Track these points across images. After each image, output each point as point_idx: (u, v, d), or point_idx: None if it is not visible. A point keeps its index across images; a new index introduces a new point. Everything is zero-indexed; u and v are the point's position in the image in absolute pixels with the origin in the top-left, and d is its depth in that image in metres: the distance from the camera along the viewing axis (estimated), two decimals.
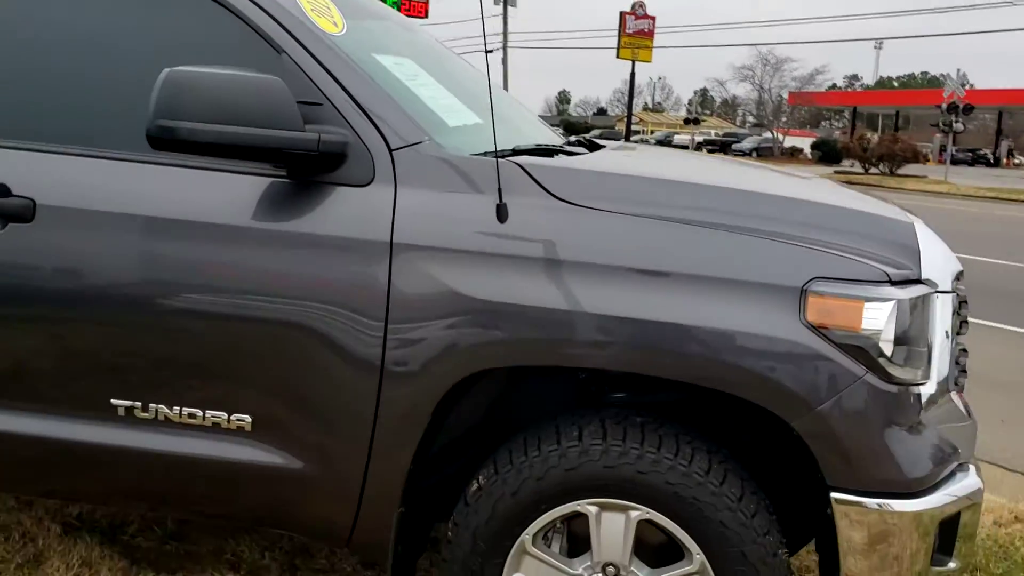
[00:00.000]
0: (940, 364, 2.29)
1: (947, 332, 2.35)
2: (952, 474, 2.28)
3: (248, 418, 2.32)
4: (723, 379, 2.14)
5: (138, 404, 2.36)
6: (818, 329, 2.09)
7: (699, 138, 64.54)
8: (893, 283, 2.15)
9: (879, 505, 2.13)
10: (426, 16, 63.95)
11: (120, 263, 2.34)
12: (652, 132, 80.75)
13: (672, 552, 2.26)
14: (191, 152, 2.13)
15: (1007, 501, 4.11)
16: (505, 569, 2.30)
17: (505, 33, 49.31)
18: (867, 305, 2.11)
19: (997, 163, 63.03)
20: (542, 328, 2.17)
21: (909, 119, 75.80)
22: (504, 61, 48.27)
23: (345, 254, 2.23)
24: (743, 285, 2.12)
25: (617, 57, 55.02)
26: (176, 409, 2.34)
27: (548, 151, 2.66)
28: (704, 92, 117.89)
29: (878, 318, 2.10)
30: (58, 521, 3.27)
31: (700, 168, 3.17)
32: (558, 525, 2.31)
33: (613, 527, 2.24)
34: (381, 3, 3.39)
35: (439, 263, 2.20)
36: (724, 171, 3.16)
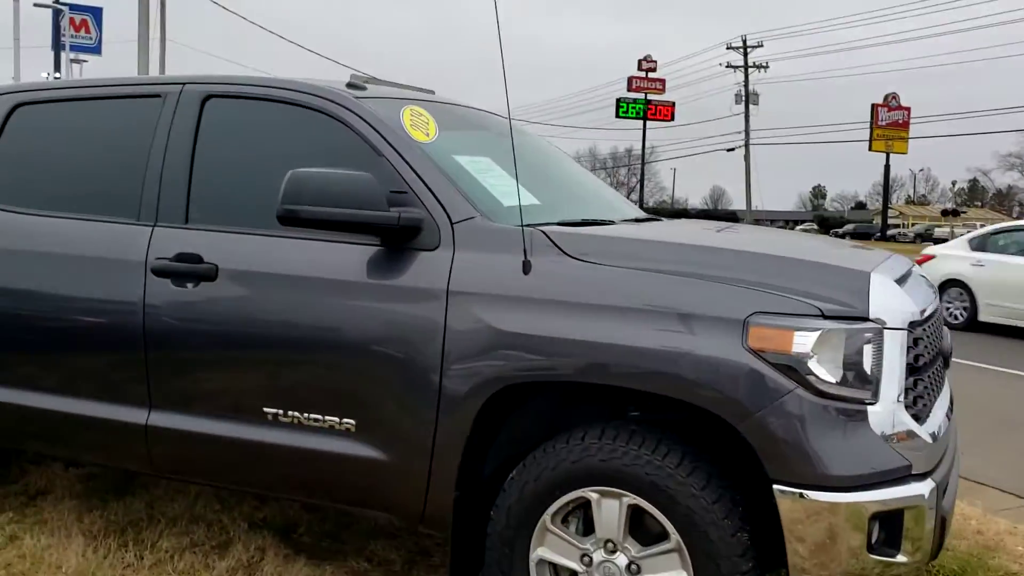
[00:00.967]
0: (889, 387, 2.76)
1: (906, 362, 2.80)
2: (900, 480, 2.72)
3: (353, 421, 3.17)
4: (686, 391, 2.75)
5: (280, 411, 3.28)
6: (757, 352, 2.67)
7: (962, 230, 61.12)
8: (825, 316, 2.69)
9: (808, 496, 2.63)
10: (672, 119, 65.67)
11: (271, 309, 3.30)
12: (912, 225, 77.19)
13: (660, 533, 2.84)
14: (307, 227, 3.07)
15: None
16: (532, 542, 2.97)
17: (747, 131, 49.60)
18: (796, 333, 2.66)
19: None
20: (550, 352, 2.89)
21: None
22: (746, 158, 48.48)
23: (418, 299, 3.06)
24: (700, 318, 2.75)
25: (870, 150, 53.73)
26: (305, 414, 3.24)
27: (590, 223, 3.40)
28: (974, 182, 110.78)
29: (805, 343, 2.65)
30: (246, 519, 4.25)
31: (699, 234, 3.73)
32: (573, 510, 2.96)
33: (610, 510, 2.87)
34: (490, 117, 4.27)
35: (479, 304, 2.99)
36: (718, 235, 3.71)
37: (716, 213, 56.28)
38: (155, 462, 3.64)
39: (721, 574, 2.72)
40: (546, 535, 2.97)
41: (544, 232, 3.06)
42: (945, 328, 3.48)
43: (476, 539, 3.15)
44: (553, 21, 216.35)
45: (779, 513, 2.68)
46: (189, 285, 3.39)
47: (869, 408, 2.72)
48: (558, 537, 2.96)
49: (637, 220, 3.97)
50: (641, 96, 66.72)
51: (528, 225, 3.05)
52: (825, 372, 2.66)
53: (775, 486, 2.67)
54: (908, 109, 54.17)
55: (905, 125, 53.77)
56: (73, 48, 39.71)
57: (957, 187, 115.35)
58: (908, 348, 2.83)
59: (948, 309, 13.37)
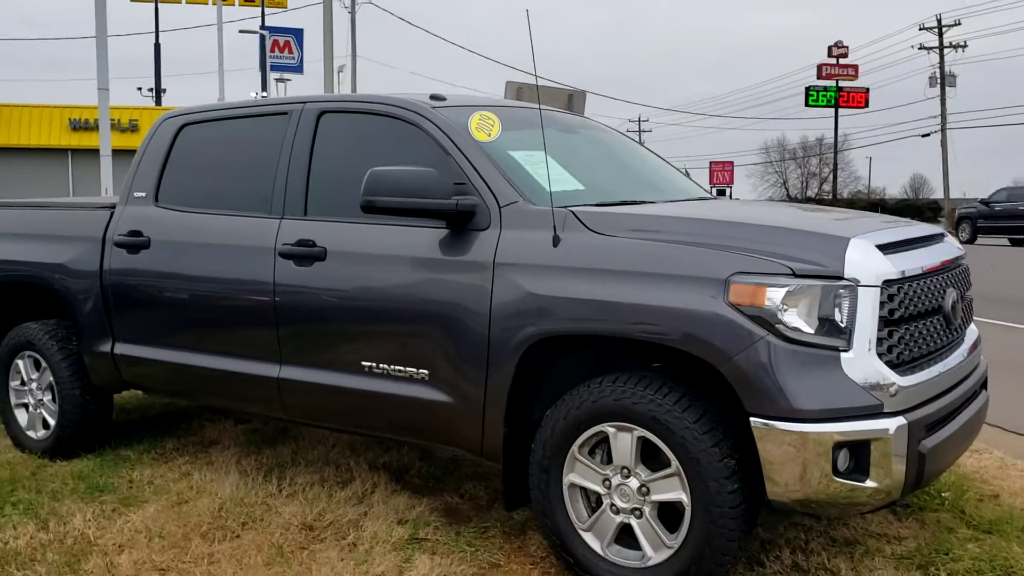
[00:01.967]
0: (862, 337, 3.19)
1: (881, 316, 3.22)
2: (869, 416, 3.14)
3: (427, 371, 3.89)
4: (677, 340, 3.29)
5: (374, 364, 4.04)
6: (735, 306, 3.18)
7: None
8: (797, 275, 3.16)
9: (777, 426, 3.11)
10: (865, 106, 63.24)
11: (364, 281, 4.07)
12: None
13: (664, 461, 3.39)
14: (383, 214, 3.81)
15: None
16: (564, 469, 3.58)
17: (943, 115, 47.10)
18: (768, 289, 3.15)
19: None
20: (575, 309, 3.49)
21: None
22: (943, 144, 46.05)
23: (472, 270, 3.74)
24: (695, 280, 3.28)
25: None
26: (392, 366, 3.99)
27: (627, 203, 3.98)
28: None
29: (775, 298, 3.14)
30: (369, 463, 5.07)
31: (710, 208, 4.19)
32: (597, 444, 3.54)
33: (624, 442, 3.44)
34: (555, 115, 4.89)
35: (518, 272, 3.63)
36: (724, 209, 4.19)
37: (916, 203, 53.54)
38: (286, 409, 4.51)
39: (710, 493, 3.24)
40: (575, 463, 3.57)
41: (573, 212, 3.66)
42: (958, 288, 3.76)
43: (525, 469, 3.78)
44: (736, 11, 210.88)
45: (755, 442, 3.17)
46: (306, 265, 4.22)
47: (842, 354, 3.17)
48: (585, 465, 3.56)
49: (687, 200, 4.49)
50: (832, 83, 64.51)
51: (561, 207, 3.66)
52: (799, 322, 3.13)
53: (751, 419, 3.17)
54: None
55: None
56: (277, 68, 43.06)
57: None
58: (883, 303, 3.23)
59: None
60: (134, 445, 5.59)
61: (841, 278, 3.20)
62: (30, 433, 5.56)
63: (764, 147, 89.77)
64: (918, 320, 3.42)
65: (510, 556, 3.88)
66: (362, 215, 4.03)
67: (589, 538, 3.56)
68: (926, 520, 4.20)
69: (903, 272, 3.35)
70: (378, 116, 4.28)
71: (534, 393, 3.80)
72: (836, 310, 3.17)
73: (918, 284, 3.43)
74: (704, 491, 3.25)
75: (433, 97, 4.34)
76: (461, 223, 3.83)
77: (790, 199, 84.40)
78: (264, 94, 36.12)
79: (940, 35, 49.15)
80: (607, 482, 3.51)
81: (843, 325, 3.17)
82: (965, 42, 49.48)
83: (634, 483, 3.45)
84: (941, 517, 4.22)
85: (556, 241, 3.60)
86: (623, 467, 3.47)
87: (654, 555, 3.41)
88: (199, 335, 4.72)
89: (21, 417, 5.62)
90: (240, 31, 33.85)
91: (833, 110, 63.55)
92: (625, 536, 3.51)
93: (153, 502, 4.59)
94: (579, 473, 3.58)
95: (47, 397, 5.45)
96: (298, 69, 45.29)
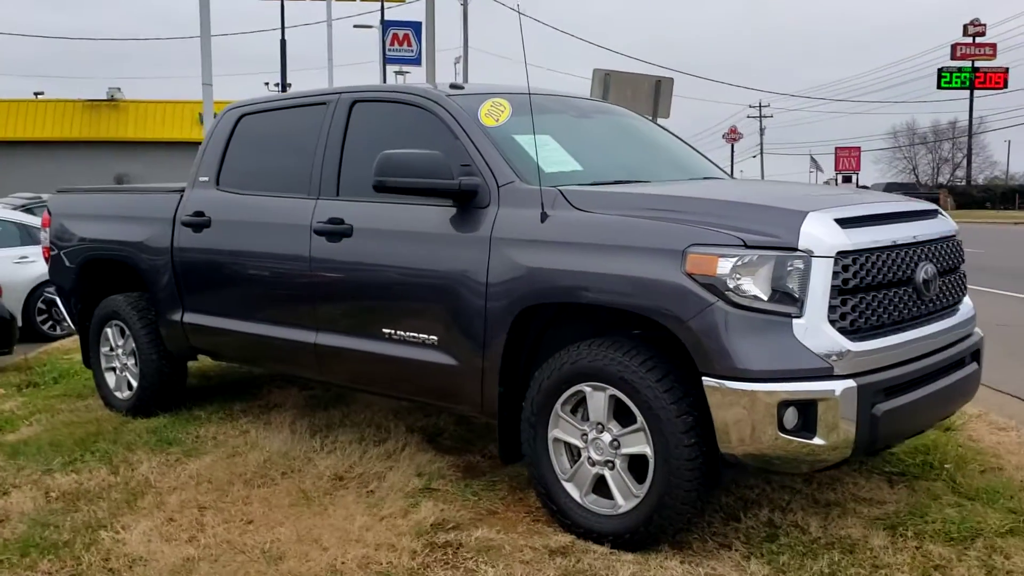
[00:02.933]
0: (815, 304, 3.41)
1: (834, 285, 3.43)
2: (817, 378, 3.37)
3: (435, 337, 4.28)
4: (640, 306, 3.58)
5: (393, 330, 4.46)
6: (690, 275, 3.46)
7: None
8: (748, 246, 3.41)
9: (726, 385, 3.37)
10: (1004, 86, 60.44)
11: (385, 254, 4.49)
12: None
13: (632, 417, 3.68)
14: (393, 193, 4.21)
15: None
16: (549, 425, 3.92)
17: None
18: (719, 259, 3.41)
19: None
20: (556, 280, 3.82)
21: None
22: None
23: (472, 244, 4.11)
24: (656, 251, 3.56)
25: None
26: (407, 332, 4.40)
27: (622, 182, 4.27)
28: None
29: (725, 268, 3.40)
30: (408, 426, 5.51)
31: (697, 188, 4.41)
32: (577, 403, 3.85)
33: (598, 400, 3.76)
34: (572, 101, 5.20)
35: (510, 246, 3.98)
36: (709, 188, 4.42)
37: None
38: (322, 372, 4.99)
39: (670, 447, 3.52)
40: (559, 420, 3.90)
41: (561, 191, 3.98)
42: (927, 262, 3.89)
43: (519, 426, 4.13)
44: None
45: (707, 400, 3.44)
46: (336, 241, 4.67)
47: (794, 320, 3.40)
48: (566, 421, 3.88)
49: (689, 180, 4.75)
50: (967, 64, 61.99)
51: (551, 186, 3.99)
52: (751, 290, 3.38)
53: (703, 378, 3.44)
54: None
55: None
56: (396, 61, 44.20)
57: None
58: (836, 274, 3.45)
59: None
60: (206, 406, 6.19)
61: (795, 249, 3.42)
62: (117, 394, 6.24)
63: (892, 132, 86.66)
64: (879, 290, 3.60)
65: (508, 505, 4.23)
66: (390, 196, 4.42)
67: (570, 488, 3.89)
68: (917, 488, 4.35)
69: (860, 245, 3.54)
70: (401, 104, 4.70)
71: (532, 358, 4.14)
72: (788, 279, 3.40)
73: (879, 256, 3.61)
74: (665, 445, 3.54)
75: (452, 86, 4.73)
76: (466, 201, 4.20)
77: (919, 186, 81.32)
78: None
79: None
80: (585, 437, 3.83)
81: (795, 293, 3.40)
82: None
83: (607, 438, 3.76)
84: (933, 485, 4.36)
85: (543, 217, 3.93)
86: (598, 423, 3.78)
87: (624, 503, 3.72)
88: (249, 305, 5.24)
89: (110, 379, 6.30)
90: (355, 26, 34.92)
91: (968, 92, 60.99)
92: (601, 486, 3.82)
93: (211, 454, 5.15)
94: (562, 429, 3.90)
95: (131, 362, 6.10)
96: (416, 61, 46.28)
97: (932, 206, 4.28)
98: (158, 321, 5.82)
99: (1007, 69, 60.62)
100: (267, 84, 51.03)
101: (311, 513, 4.16)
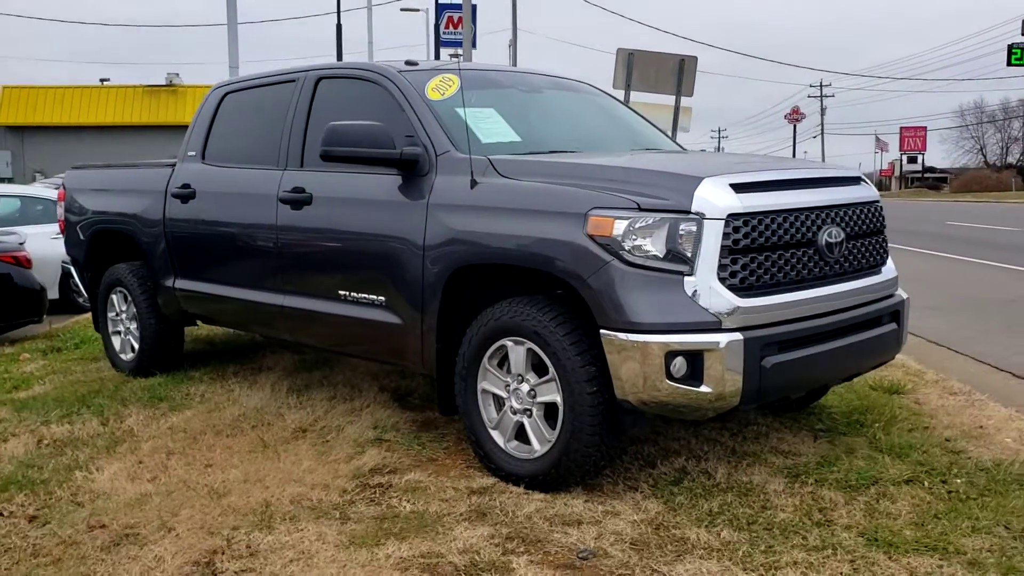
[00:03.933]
0: (705, 263, 3.65)
1: (724, 245, 3.67)
2: (705, 330, 3.61)
3: (383, 297, 4.61)
4: (549, 265, 3.86)
5: (348, 292, 4.80)
6: (591, 236, 3.72)
7: None
8: (642, 209, 3.66)
9: (618, 336, 3.63)
10: None
11: (341, 221, 4.82)
12: None
13: (546, 369, 3.96)
14: (340, 162, 4.54)
15: None
16: (478, 377, 4.21)
17: None
18: (616, 221, 3.67)
19: None
20: (481, 242, 4.12)
21: None
22: None
23: (413, 210, 4.42)
24: (563, 214, 3.83)
25: None
26: (360, 294, 4.73)
27: (556, 152, 4.54)
28: None
29: (619, 228, 3.66)
30: (380, 387, 5.85)
31: (623, 158, 4.62)
32: (503, 357, 4.14)
33: (518, 354, 4.04)
34: (524, 77, 5.46)
35: (444, 211, 4.28)
36: (633, 158, 4.64)
37: None
38: (290, 332, 5.35)
39: (575, 395, 3.79)
40: (486, 373, 4.20)
41: (490, 160, 4.27)
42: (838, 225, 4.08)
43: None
44: None
45: (604, 350, 3.70)
46: (298, 208, 5.02)
47: (686, 278, 3.65)
48: (493, 374, 4.18)
49: (631, 151, 5.01)
50: None
51: (481, 156, 4.28)
52: (645, 249, 3.64)
53: (600, 331, 3.71)
54: None
55: None
56: (450, 43, 44.57)
57: None
58: (727, 234, 3.68)
59: None
60: (202, 368, 6.62)
61: (688, 212, 3.66)
62: (122, 356, 6.70)
63: (960, 110, 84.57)
64: (773, 251, 3.81)
65: (450, 455, 4.55)
66: (345, 165, 4.74)
67: (496, 435, 4.19)
68: (838, 443, 4.55)
69: (752, 208, 3.75)
70: (358, 80, 5.01)
71: (470, 317, 4.43)
72: (680, 240, 3.65)
73: (774, 219, 3.82)
74: (571, 393, 3.81)
75: (407, 63, 5.02)
76: (409, 170, 4.50)
77: (987, 166, 79.24)
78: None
79: None
80: (508, 388, 4.12)
81: (687, 253, 3.64)
82: None
83: (525, 388, 4.04)
84: (854, 441, 4.56)
85: (473, 184, 4.22)
86: (519, 375, 4.07)
87: (539, 448, 4.01)
88: (229, 271, 5.63)
89: (116, 343, 6.76)
90: (402, 9, 35.27)
91: None
92: (522, 433, 4.11)
93: (194, 408, 5.56)
94: (489, 381, 4.20)
95: (133, 326, 6.55)
96: (472, 44, 46.75)
97: (852, 174, 4.46)
98: (155, 287, 6.25)
99: None
100: None
101: (264, 458, 4.52)
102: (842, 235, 4.07)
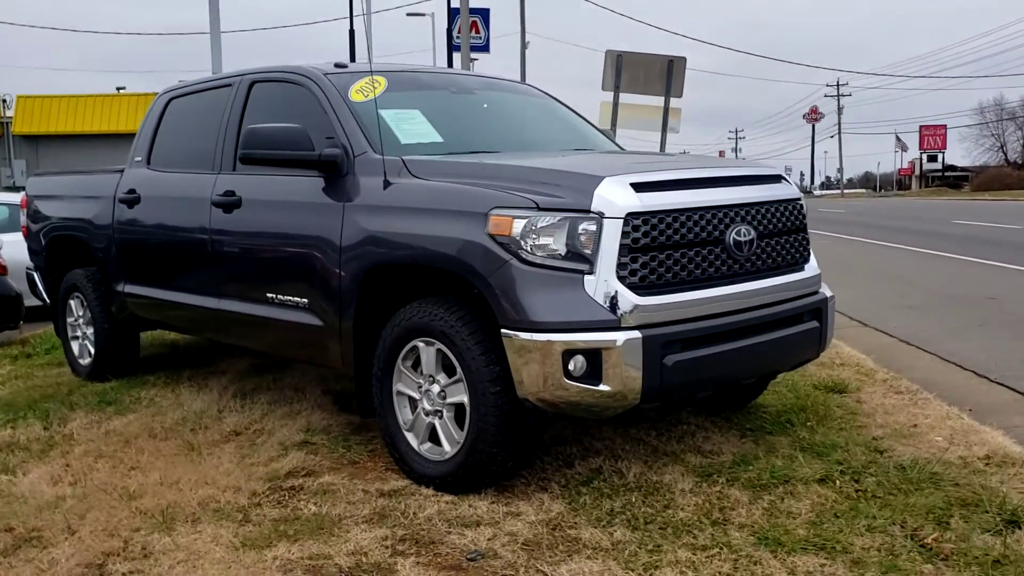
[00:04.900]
0: (604, 262, 3.63)
1: (624, 244, 3.64)
2: (603, 329, 3.59)
3: (306, 299, 4.61)
4: (453, 265, 3.85)
5: (275, 295, 4.81)
6: (491, 235, 3.71)
7: None
8: (540, 208, 3.65)
9: (517, 336, 3.62)
10: None
11: (267, 223, 4.83)
12: None
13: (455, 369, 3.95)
14: (259, 165, 4.55)
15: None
16: (392, 378, 4.21)
17: None
18: (514, 220, 3.66)
19: None
20: (391, 243, 4.11)
21: None
22: None
23: (330, 211, 4.42)
24: (465, 214, 3.83)
25: None
26: (286, 296, 4.74)
27: (477, 153, 4.53)
28: None
29: (518, 227, 3.65)
30: (324, 390, 5.85)
31: (525, 159, 4.51)
32: (416, 359, 4.13)
33: (429, 355, 4.03)
34: (456, 78, 5.46)
35: (358, 212, 4.28)
36: (549, 159, 4.57)
37: None
38: (229, 336, 5.37)
39: (479, 395, 3.78)
40: (401, 374, 4.19)
41: (404, 160, 4.27)
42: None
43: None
44: None
45: (505, 350, 3.69)
46: (228, 212, 5.04)
47: (586, 276, 3.63)
48: (407, 375, 4.17)
49: (561, 153, 5.01)
50: None
51: (394, 156, 4.28)
52: (543, 248, 3.62)
53: (501, 330, 3.69)
54: None
55: None
56: (471, 48, 44.75)
57: None
58: (626, 233, 3.65)
59: None
60: (159, 372, 6.66)
61: (587, 211, 3.64)
62: (80, 361, 6.75)
63: (979, 108, 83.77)
64: (675, 249, 3.78)
65: (373, 458, 4.54)
66: (273, 168, 4.76)
67: (410, 437, 4.18)
68: (762, 442, 4.52)
69: (653, 207, 3.72)
70: (287, 83, 5.03)
71: (383, 321, 4.42)
72: (579, 238, 3.63)
73: (676, 218, 3.78)
74: (475, 393, 3.80)
75: (337, 65, 5.03)
76: (330, 172, 4.51)
77: (1008, 164, 78.40)
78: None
79: None
80: (420, 388, 4.11)
81: (586, 251, 3.62)
82: None
83: (436, 389, 4.03)
84: (779, 440, 4.52)
85: (386, 185, 4.22)
86: (430, 375, 4.06)
87: (449, 450, 4.00)
88: (171, 275, 5.66)
89: (74, 347, 6.81)
90: (408, 14, 35.36)
91: None
92: (436, 435, 4.10)
93: (138, 412, 5.59)
94: (403, 382, 4.19)
95: (89, 331, 6.59)
96: (485, 48, 46.78)
97: (771, 172, 4.42)
98: (108, 293, 6.29)
99: None
100: None
101: (187, 461, 4.54)
102: (752, 233, 4.03)
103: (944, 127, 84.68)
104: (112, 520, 3.79)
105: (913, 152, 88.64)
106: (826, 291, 4.52)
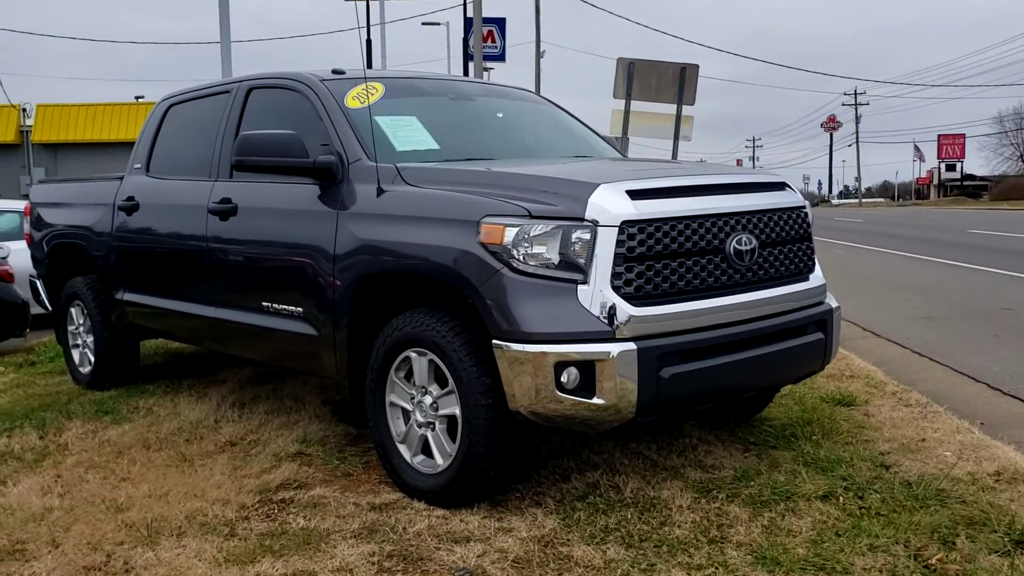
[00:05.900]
0: (599, 271, 3.53)
1: (619, 252, 3.54)
2: (597, 340, 3.49)
3: (300, 308, 4.54)
4: (443, 274, 3.76)
5: (270, 304, 4.74)
6: (483, 244, 3.62)
7: None
8: (533, 216, 3.56)
9: (508, 347, 3.52)
10: None
11: (262, 231, 4.76)
12: None
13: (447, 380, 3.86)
14: (252, 172, 4.49)
15: None
16: (386, 389, 4.12)
17: None
18: (506, 229, 3.57)
19: None
20: (384, 251, 4.03)
21: None
22: None
23: (325, 219, 4.35)
24: (457, 222, 3.74)
25: None
26: (281, 305, 4.66)
27: (473, 160, 4.45)
28: None
29: (509, 236, 3.55)
30: (322, 398, 5.77)
31: (519, 166, 4.40)
32: (408, 369, 4.05)
33: (421, 365, 3.95)
34: (455, 84, 5.38)
35: (352, 220, 4.21)
36: (542, 166, 4.41)
37: None
38: (225, 345, 5.30)
39: (471, 407, 3.69)
40: (394, 385, 4.11)
41: (398, 167, 4.19)
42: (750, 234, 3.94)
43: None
44: None
45: (497, 361, 3.60)
46: (225, 219, 4.97)
47: (579, 286, 3.54)
48: (400, 386, 4.08)
49: (561, 159, 4.91)
50: None
51: (388, 163, 4.21)
52: (535, 257, 3.52)
53: (492, 340, 3.60)
54: None
55: None
56: (486, 57, 44.78)
57: None
58: (621, 242, 3.56)
59: None
60: (158, 381, 6.61)
61: (581, 219, 3.55)
62: (81, 369, 6.70)
63: (998, 117, 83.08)
64: (673, 258, 3.68)
65: (367, 470, 4.45)
66: (269, 175, 4.69)
67: (403, 449, 4.09)
68: (764, 456, 4.40)
69: (649, 215, 3.62)
70: (284, 89, 4.96)
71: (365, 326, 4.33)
72: (573, 247, 3.53)
73: (674, 226, 3.68)
74: (467, 405, 3.71)
75: (334, 71, 4.97)
76: (325, 179, 4.44)
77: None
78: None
79: None
80: (413, 399, 4.03)
81: (580, 260, 3.53)
82: None
83: (428, 400, 3.95)
84: (782, 455, 4.41)
85: (379, 192, 4.15)
86: (423, 387, 3.98)
87: (442, 462, 3.90)
88: (167, 282, 5.60)
89: (75, 355, 6.76)
90: (423, 23, 35.40)
91: None
92: (428, 447, 4.01)
93: (134, 422, 5.52)
94: (396, 394, 4.11)
95: (90, 339, 6.54)
96: (500, 57, 46.83)
97: (774, 179, 4.32)
98: (107, 301, 6.24)
99: None
100: None
101: (178, 472, 4.46)
102: (754, 242, 3.93)
103: (963, 136, 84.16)
104: (97, 533, 3.72)
105: (931, 161, 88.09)
106: (832, 302, 4.41)
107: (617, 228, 3.55)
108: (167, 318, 5.72)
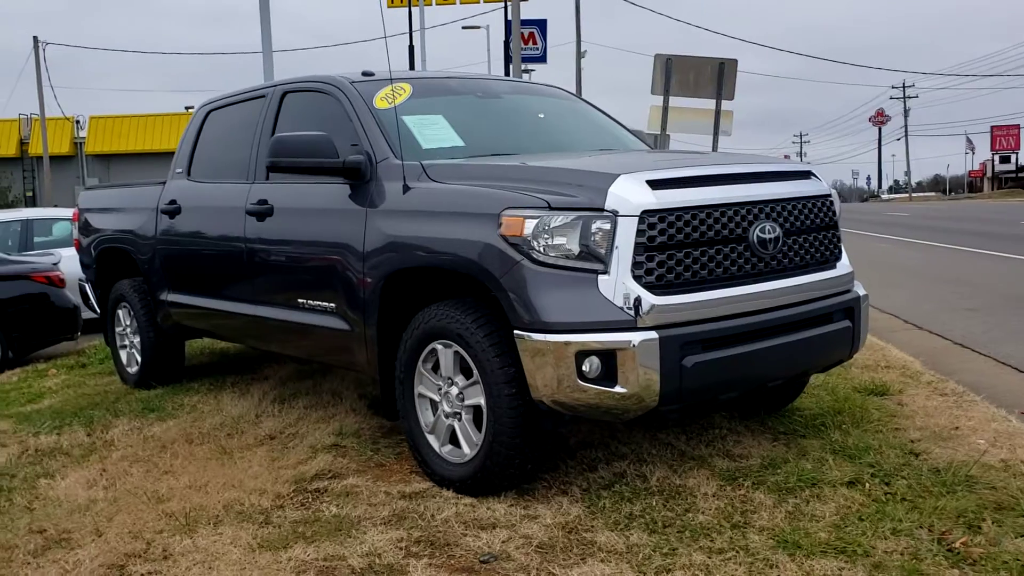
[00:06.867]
0: (619, 261, 3.59)
1: (639, 242, 3.59)
2: (618, 329, 3.54)
3: (333, 304, 4.65)
4: (466, 267, 3.84)
5: (306, 300, 4.86)
6: (503, 236, 3.69)
7: None
8: (552, 208, 3.62)
9: (530, 337, 3.59)
10: None
11: (297, 230, 4.89)
12: None
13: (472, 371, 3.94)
14: (286, 172, 4.61)
15: None
16: (414, 381, 4.22)
17: None
18: (526, 220, 3.64)
19: None
20: (411, 246, 4.13)
21: None
22: None
23: (355, 217, 4.46)
24: (479, 216, 3.82)
25: None
26: (316, 302, 4.78)
27: (489, 156, 4.52)
28: None
29: (529, 228, 3.62)
30: (359, 392, 5.89)
31: (542, 159, 4.46)
32: (435, 361, 4.13)
33: (447, 357, 4.03)
34: (481, 82, 5.45)
35: (379, 217, 4.31)
36: (568, 159, 4.52)
37: None
38: (265, 342, 5.44)
39: (495, 397, 3.76)
40: (422, 377, 4.20)
41: (423, 165, 4.28)
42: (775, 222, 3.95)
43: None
44: None
45: (519, 351, 3.66)
46: (262, 220, 5.11)
47: (600, 276, 3.59)
48: (427, 378, 4.17)
49: (587, 153, 4.96)
50: None
51: (414, 161, 4.30)
52: (555, 248, 3.59)
53: (514, 331, 3.67)
54: None
55: None
56: (523, 59, 44.88)
57: None
58: (641, 231, 3.60)
59: None
60: (203, 379, 6.78)
61: (601, 210, 3.60)
62: (128, 369, 6.90)
63: None
64: (695, 247, 3.72)
65: (399, 460, 4.55)
66: (302, 176, 4.82)
67: (432, 439, 4.18)
68: (793, 445, 4.41)
69: (670, 204, 3.66)
70: (316, 92, 5.09)
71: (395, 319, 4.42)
72: (593, 237, 3.59)
73: (695, 215, 3.72)
74: (491, 395, 3.78)
75: (364, 74, 5.08)
76: (354, 178, 4.55)
77: None
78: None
79: None
80: (440, 390, 4.11)
81: (600, 250, 3.58)
82: None
83: (455, 391, 4.03)
84: (811, 443, 4.41)
85: (405, 189, 4.24)
86: (449, 378, 4.06)
87: (469, 452, 3.98)
88: (209, 283, 5.76)
89: (123, 356, 6.97)
90: (463, 27, 35.60)
91: None
92: (456, 437, 4.09)
93: (178, 419, 5.69)
94: (424, 385, 4.20)
95: (136, 340, 6.74)
96: (542, 59, 46.95)
97: (800, 168, 4.33)
98: (153, 302, 6.43)
99: None
100: None
101: (218, 464, 4.60)
102: (778, 231, 3.95)
103: (1017, 127, 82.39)
104: (138, 523, 3.86)
105: (984, 153, 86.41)
106: (859, 289, 4.41)
107: (637, 218, 3.60)
108: (209, 317, 5.88)
